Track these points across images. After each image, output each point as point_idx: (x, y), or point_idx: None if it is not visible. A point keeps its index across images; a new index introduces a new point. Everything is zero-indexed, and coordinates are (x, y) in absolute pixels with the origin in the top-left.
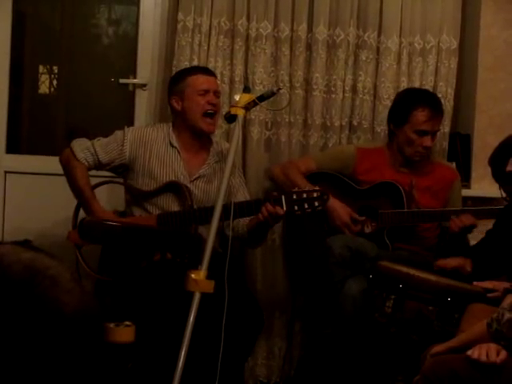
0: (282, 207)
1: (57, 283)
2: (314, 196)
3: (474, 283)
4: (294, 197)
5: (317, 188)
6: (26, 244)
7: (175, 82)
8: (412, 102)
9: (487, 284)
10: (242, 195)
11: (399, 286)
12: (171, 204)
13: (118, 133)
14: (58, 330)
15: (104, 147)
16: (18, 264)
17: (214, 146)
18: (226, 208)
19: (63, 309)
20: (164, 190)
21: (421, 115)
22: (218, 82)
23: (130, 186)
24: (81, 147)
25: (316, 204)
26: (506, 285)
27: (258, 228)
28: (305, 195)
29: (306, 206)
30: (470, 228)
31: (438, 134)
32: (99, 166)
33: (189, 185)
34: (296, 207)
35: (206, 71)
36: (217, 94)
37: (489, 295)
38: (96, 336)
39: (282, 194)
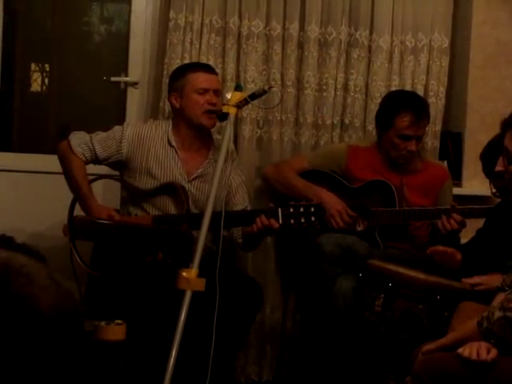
0: (278, 219)
1: (32, 280)
2: (311, 210)
3: (463, 279)
4: (291, 210)
5: (314, 202)
6: (2, 239)
7: (175, 79)
8: (395, 107)
9: (476, 279)
10: (241, 196)
11: (388, 284)
12: (168, 205)
13: (117, 128)
14: (35, 326)
15: (102, 143)
16: None
17: (215, 144)
18: (220, 215)
19: (39, 306)
20: (162, 191)
21: (403, 120)
22: (219, 80)
23: (127, 183)
24: (78, 141)
25: (313, 219)
26: (494, 279)
27: (253, 235)
28: (302, 209)
29: (303, 219)
30: (460, 229)
31: (429, 132)
32: (96, 160)
33: (186, 185)
34: (292, 220)
35: (207, 69)
36: (217, 92)
37: (476, 288)
38: (75, 333)
39: (279, 207)
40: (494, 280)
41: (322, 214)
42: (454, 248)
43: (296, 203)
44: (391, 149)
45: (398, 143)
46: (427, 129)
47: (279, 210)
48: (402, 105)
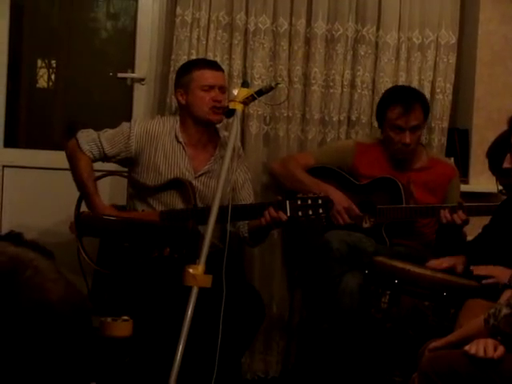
0: (286, 212)
1: (41, 272)
2: (318, 203)
3: (471, 267)
4: (299, 202)
5: (322, 194)
6: (11, 236)
7: (181, 75)
8: (385, 101)
9: (482, 270)
10: (247, 192)
11: (395, 281)
12: (175, 201)
13: (125, 125)
14: (45, 318)
15: (110, 140)
16: (3, 256)
17: (222, 141)
18: (228, 209)
19: (49, 297)
20: (168, 187)
21: (393, 113)
22: (225, 77)
23: (134, 179)
24: (87, 139)
25: (320, 211)
26: (500, 271)
27: (259, 229)
28: (310, 201)
29: (311, 212)
30: (462, 225)
31: (436, 129)
32: (105, 158)
33: (194, 181)
34: (300, 213)
35: (213, 65)
36: (222, 89)
37: (484, 282)
38: (84, 327)
39: (287, 200)
40: (499, 272)
41: (330, 206)
42: (457, 253)
43: (304, 195)
44: (389, 144)
45: (392, 136)
46: (433, 125)
47: (287, 202)
48: (391, 98)
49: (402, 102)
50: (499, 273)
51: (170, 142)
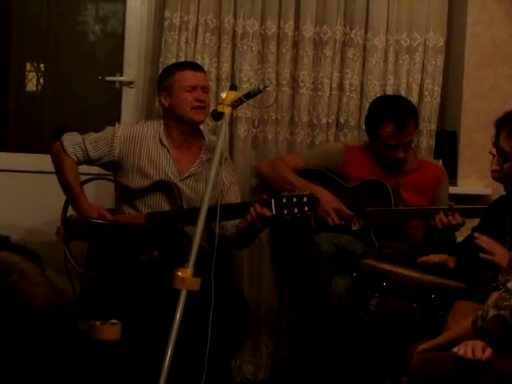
0: (272, 211)
1: (26, 276)
2: (304, 201)
3: (475, 234)
4: (284, 200)
5: (307, 192)
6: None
7: (163, 78)
8: (378, 117)
9: (484, 242)
10: (233, 194)
11: (383, 283)
12: (161, 203)
13: (109, 129)
14: (29, 321)
15: (94, 143)
16: None
17: (207, 143)
18: (214, 209)
19: (33, 301)
20: (154, 189)
21: (386, 131)
22: (207, 77)
23: (119, 183)
24: (71, 142)
25: (306, 209)
26: (501, 250)
27: (247, 231)
28: (295, 199)
29: (296, 210)
30: (458, 226)
31: (425, 131)
32: (89, 161)
33: (179, 183)
34: (285, 211)
35: (193, 67)
36: (205, 89)
37: (481, 255)
38: (69, 330)
39: (272, 198)
40: (500, 251)
41: (316, 204)
42: (447, 253)
43: (289, 194)
44: (381, 156)
45: (384, 151)
46: (422, 128)
47: (272, 200)
48: (385, 115)
49: (395, 120)
50: (499, 252)
51: (154, 145)
